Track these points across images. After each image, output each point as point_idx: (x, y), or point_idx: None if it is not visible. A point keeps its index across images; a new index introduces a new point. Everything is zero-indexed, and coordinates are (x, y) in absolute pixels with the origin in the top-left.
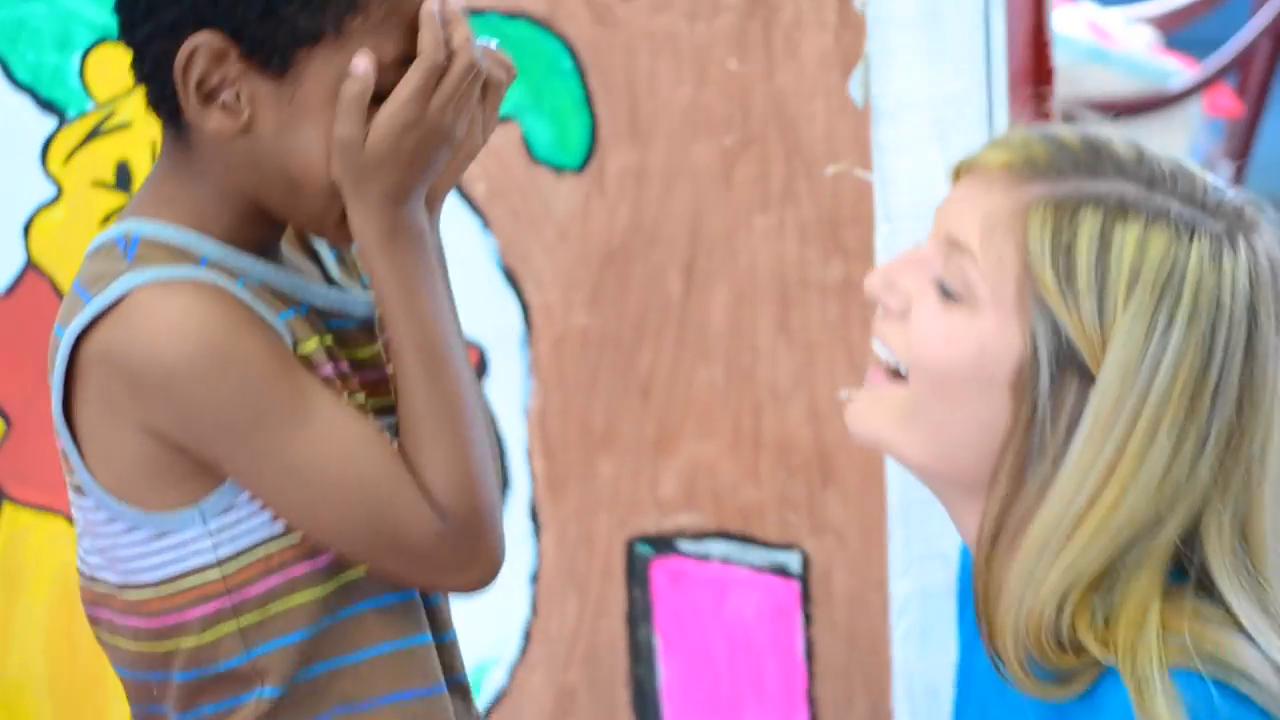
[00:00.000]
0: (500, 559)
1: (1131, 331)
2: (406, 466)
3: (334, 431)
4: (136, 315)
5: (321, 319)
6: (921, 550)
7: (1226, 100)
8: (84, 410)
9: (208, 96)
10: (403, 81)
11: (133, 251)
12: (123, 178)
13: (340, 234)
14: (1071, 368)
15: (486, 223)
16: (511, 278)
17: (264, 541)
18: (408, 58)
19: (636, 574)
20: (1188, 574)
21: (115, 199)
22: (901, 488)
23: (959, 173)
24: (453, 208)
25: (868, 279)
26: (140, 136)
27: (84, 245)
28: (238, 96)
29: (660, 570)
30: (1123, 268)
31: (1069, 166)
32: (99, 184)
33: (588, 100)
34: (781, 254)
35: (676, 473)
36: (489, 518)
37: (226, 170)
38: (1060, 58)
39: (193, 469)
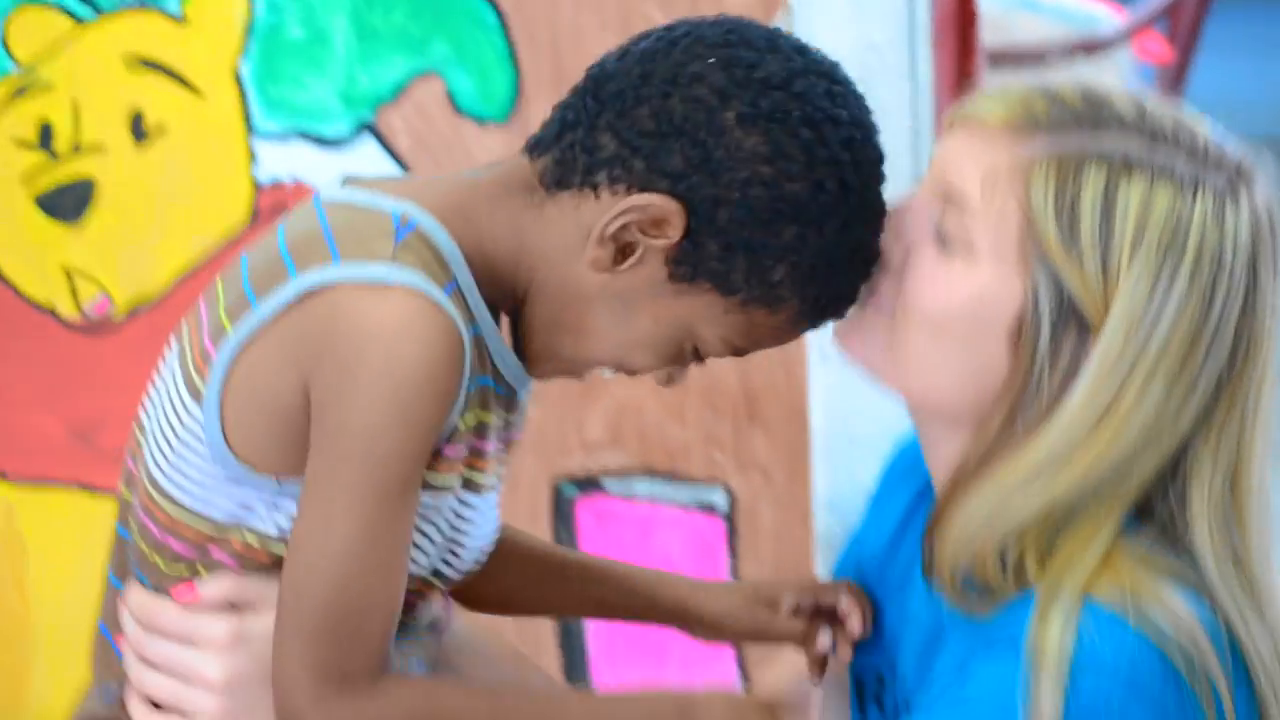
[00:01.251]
0: None
1: (1136, 288)
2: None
3: (374, 538)
4: (385, 303)
5: (497, 388)
6: (845, 485)
7: (1156, 46)
8: (263, 338)
9: (614, 235)
10: None
11: (402, 236)
12: (45, 138)
13: (538, 371)
14: (1072, 320)
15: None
16: None
17: None
18: (743, 351)
19: (562, 514)
20: (1153, 519)
21: (37, 158)
22: (825, 424)
23: (952, 123)
24: (376, 160)
25: None
26: (62, 98)
27: (6, 202)
28: (634, 256)
29: (586, 510)
30: (1128, 226)
31: (1071, 121)
32: (22, 144)
33: (511, 53)
34: None
35: (602, 414)
36: None
37: (537, 253)
38: (987, 5)
39: (304, 444)
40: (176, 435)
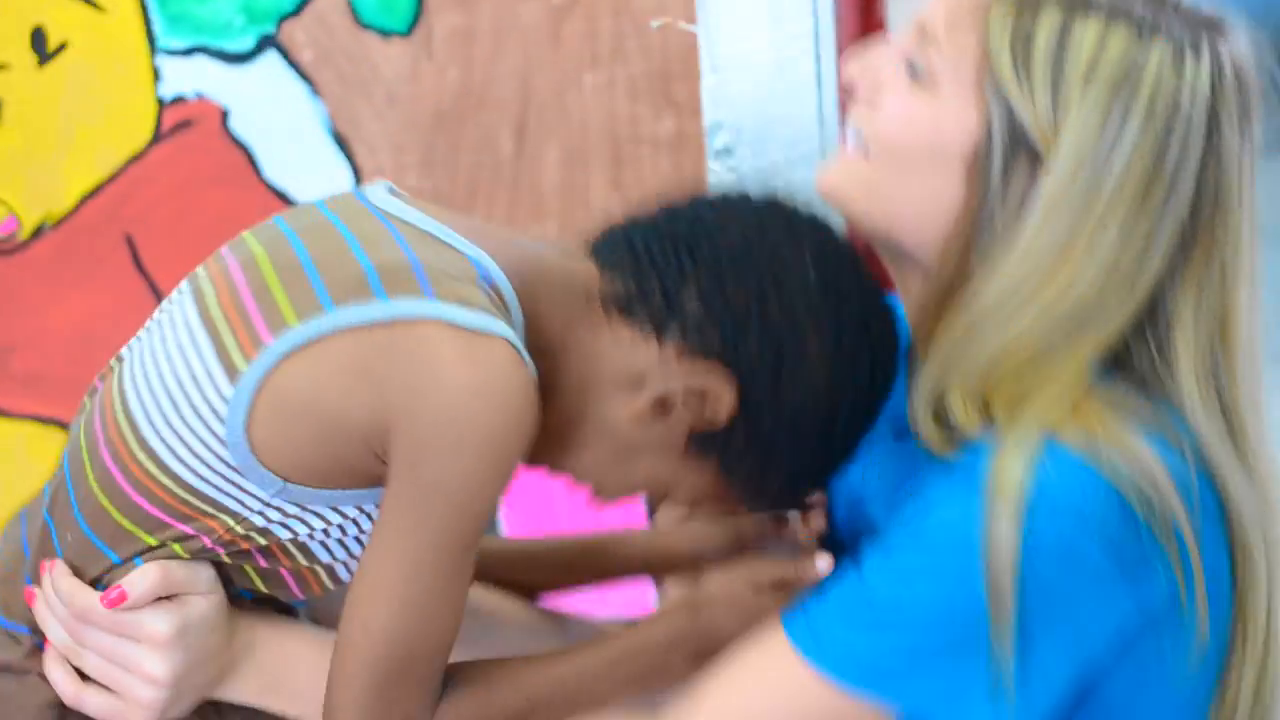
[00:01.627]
0: None
1: (1086, 123)
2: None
3: (453, 588)
4: (490, 356)
5: None
6: None
7: None
8: (333, 343)
9: (659, 391)
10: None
11: (486, 286)
12: None
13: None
14: (1024, 151)
15: (315, 89)
16: (342, 142)
17: (286, 539)
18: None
19: None
20: (1133, 372)
21: None
22: None
23: None
24: (280, 74)
25: (847, 66)
26: None
27: None
28: (668, 418)
29: None
30: (1080, 62)
31: None
32: None
33: None
34: (613, 111)
35: None
36: None
37: (575, 364)
38: None
39: (342, 466)
40: (190, 404)
